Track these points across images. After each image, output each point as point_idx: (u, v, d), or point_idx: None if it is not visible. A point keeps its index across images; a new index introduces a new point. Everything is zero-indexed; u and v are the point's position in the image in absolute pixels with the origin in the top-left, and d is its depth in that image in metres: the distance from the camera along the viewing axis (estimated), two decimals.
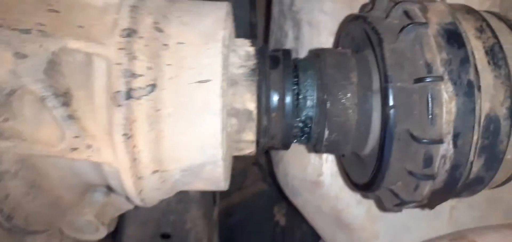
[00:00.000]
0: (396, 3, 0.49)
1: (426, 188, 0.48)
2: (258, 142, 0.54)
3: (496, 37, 0.48)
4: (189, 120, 0.47)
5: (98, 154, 0.46)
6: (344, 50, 0.56)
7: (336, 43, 0.65)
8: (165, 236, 1.21)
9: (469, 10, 0.51)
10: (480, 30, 0.48)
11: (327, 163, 0.82)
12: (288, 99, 0.52)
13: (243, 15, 1.39)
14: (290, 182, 0.88)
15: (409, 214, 0.82)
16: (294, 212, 1.42)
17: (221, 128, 0.47)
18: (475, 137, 0.45)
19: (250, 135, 0.53)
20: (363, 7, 0.57)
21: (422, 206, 0.54)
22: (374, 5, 0.54)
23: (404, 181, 0.49)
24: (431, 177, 0.47)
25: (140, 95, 0.45)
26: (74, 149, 0.46)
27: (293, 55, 0.84)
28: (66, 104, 0.44)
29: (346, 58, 0.53)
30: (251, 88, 0.51)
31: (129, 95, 0.44)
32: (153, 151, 0.47)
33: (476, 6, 0.55)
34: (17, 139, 0.44)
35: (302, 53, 0.81)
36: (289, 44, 0.86)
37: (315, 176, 0.83)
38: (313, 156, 0.82)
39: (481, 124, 0.45)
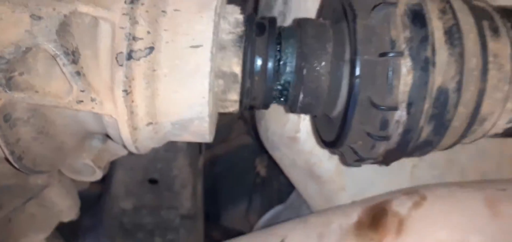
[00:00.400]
0: None
1: (381, 147, 0.57)
2: (241, 102, 0.61)
3: (456, 18, 0.55)
4: (181, 80, 0.54)
5: (100, 106, 0.53)
6: (324, 21, 0.62)
7: (320, 11, 0.71)
8: (152, 181, 1.30)
9: None
10: (443, 11, 0.55)
11: (304, 121, 0.90)
12: (270, 64, 0.59)
13: None
14: (270, 137, 0.97)
15: (374, 170, 0.91)
16: (274, 165, 1.52)
17: (209, 89, 0.54)
18: (426, 106, 0.53)
19: (234, 95, 0.60)
20: None
21: (379, 162, 0.62)
22: None
23: (363, 141, 0.57)
24: (386, 138, 0.55)
25: (139, 56, 0.51)
26: (80, 101, 0.52)
27: (281, 19, 0.90)
28: (74, 61, 0.50)
29: (324, 29, 0.60)
30: (238, 53, 0.58)
31: (129, 56, 0.51)
32: (148, 106, 0.54)
33: None
34: (30, 91, 0.51)
35: (290, 17, 0.88)
36: (278, 7, 0.92)
37: (293, 133, 0.91)
38: (292, 115, 0.90)
39: (433, 95, 0.53)
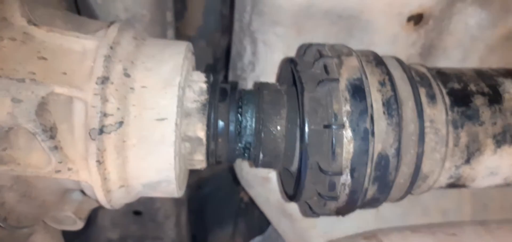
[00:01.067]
0: (320, 56, 0.63)
1: (332, 205, 0.63)
2: (207, 160, 0.68)
3: (394, 89, 0.61)
4: (148, 149, 0.60)
5: (76, 174, 0.59)
6: (280, 86, 0.69)
7: (278, 75, 0.78)
8: (136, 213, 1.35)
9: (378, 63, 0.64)
10: (382, 84, 0.61)
11: None
12: (231, 128, 0.65)
13: (215, 6, 1.48)
14: (244, 176, 1.03)
15: None
16: None
17: (174, 156, 0.61)
18: (368, 170, 0.60)
19: (200, 156, 0.66)
20: (301, 48, 0.70)
21: (334, 214, 0.69)
22: (306, 52, 0.67)
23: (317, 198, 0.64)
24: (335, 198, 0.61)
25: (110, 130, 0.58)
26: (58, 171, 0.58)
27: (251, 68, 0.96)
28: (52, 137, 0.56)
29: (280, 96, 0.67)
30: (202, 119, 0.64)
31: (101, 131, 0.57)
32: (120, 172, 0.60)
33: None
34: (13, 164, 0.57)
35: (258, 67, 0.94)
36: (247, 57, 0.99)
37: (265, 173, 0.97)
38: None
39: (374, 160, 0.60)
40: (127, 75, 0.60)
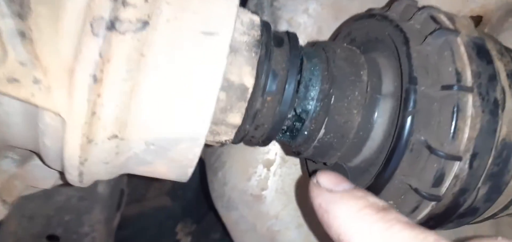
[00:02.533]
0: (420, 8, 0.45)
1: (426, 210, 0.44)
2: (240, 129, 0.45)
3: None
4: (178, 79, 0.36)
5: (45, 95, 0.33)
6: (351, 46, 0.50)
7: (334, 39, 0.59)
8: (51, 238, 1.02)
9: (484, 32, 0.49)
10: (501, 53, 0.46)
11: (274, 177, 0.75)
12: (290, 83, 0.44)
13: None
14: (227, 193, 0.79)
15: None
16: (201, 234, 1.31)
17: (216, 98, 0.38)
18: (489, 161, 0.42)
19: (236, 118, 0.43)
20: (369, 11, 0.52)
21: None
22: (390, 8, 0.49)
23: (404, 199, 0.44)
24: (437, 198, 0.42)
25: (126, 29, 0.33)
26: (14, 80, 0.32)
27: None
28: (20, 15, 0.30)
29: (356, 54, 0.48)
30: (252, 61, 0.42)
31: (112, 25, 0.33)
32: (121, 108, 0.35)
33: None
34: None
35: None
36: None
37: (259, 190, 0.75)
38: (261, 167, 0.75)
39: (498, 148, 0.42)
40: None
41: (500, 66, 0.44)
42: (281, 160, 0.75)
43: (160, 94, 0.36)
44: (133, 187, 1.57)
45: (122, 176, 1.07)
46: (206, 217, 1.32)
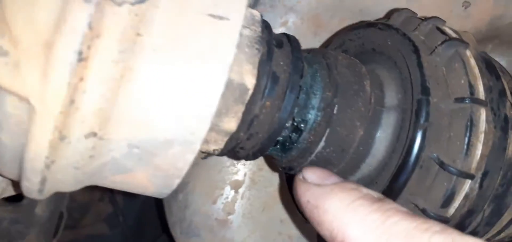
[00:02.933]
0: (424, 19, 0.43)
1: None
2: (233, 137, 0.39)
3: None
4: (177, 67, 0.31)
5: (12, 73, 0.26)
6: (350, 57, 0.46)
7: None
8: None
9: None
10: (502, 71, 0.45)
11: (242, 200, 0.69)
12: (292, 89, 0.39)
13: None
14: (188, 217, 0.72)
15: None
16: None
17: (221, 93, 0.32)
18: (498, 181, 0.40)
19: (232, 123, 0.38)
20: (364, 22, 0.50)
21: None
22: (390, 18, 0.47)
23: None
24: (445, 220, 0.39)
25: (123, 0, 0.27)
26: None
27: None
28: None
29: (357, 64, 0.44)
30: (253, 59, 0.37)
31: None
32: (106, 97, 0.29)
33: None
34: None
35: None
36: None
37: (225, 214, 0.69)
38: (228, 189, 0.69)
39: (505, 167, 0.40)
40: None
41: (505, 83, 0.43)
42: (250, 182, 0.70)
43: (155, 84, 0.30)
44: (68, 211, 1.43)
45: (62, 196, 0.95)
46: None
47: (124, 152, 0.33)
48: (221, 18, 0.31)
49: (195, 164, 0.72)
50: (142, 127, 0.31)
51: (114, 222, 1.46)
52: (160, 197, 0.39)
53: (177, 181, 0.36)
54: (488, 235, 0.47)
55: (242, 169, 0.69)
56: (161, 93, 0.30)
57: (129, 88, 0.29)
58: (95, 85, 0.28)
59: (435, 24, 0.43)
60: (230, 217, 0.69)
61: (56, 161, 0.30)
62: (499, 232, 0.48)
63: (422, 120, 0.38)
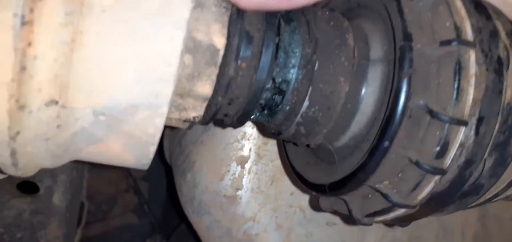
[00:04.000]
0: None
1: (429, 187, 0.38)
2: (212, 102, 0.38)
3: (510, 22, 0.42)
4: (132, 26, 0.30)
5: None
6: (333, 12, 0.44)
7: None
8: None
9: None
10: (496, 12, 0.41)
11: (249, 175, 0.68)
12: (268, 47, 0.37)
13: None
14: (198, 196, 0.72)
15: None
16: None
17: (181, 50, 0.31)
18: (496, 127, 0.37)
19: (206, 87, 0.37)
20: None
21: (401, 220, 0.43)
22: None
23: (401, 177, 0.38)
24: (441, 172, 0.37)
25: None
26: None
27: None
28: None
29: (339, 18, 0.42)
30: (222, 18, 0.36)
31: None
32: (60, 63, 0.28)
33: None
34: None
35: None
36: None
37: (233, 190, 0.68)
38: (234, 165, 0.68)
39: (504, 112, 0.37)
40: None
41: (499, 24, 0.40)
42: (256, 157, 0.69)
43: (108, 46, 0.29)
44: (96, 204, 1.47)
45: (80, 186, 0.97)
46: (177, 230, 1.23)
47: (91, 120, 0.32)
48: None
49: (199, 143, 0.72)
50: (103, 92, 0.31)
51: (142, 212, 1.49)
52: (143, 168, 0.39)
53: (152, 149, 0.35)
54: (497, 189, 0.44)
55: (247, 144, 0.68)
56: (116, 55, 0.30)
57: (82, 52, 0.29)
58: (46, 50, 0.27)
59: None
60: (238, 193, 0.68)
61: (21, 132, 0.30)
62: (509, 185, 0.44)
63: (406, 68, 0.35)
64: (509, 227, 0.84)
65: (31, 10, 0.26)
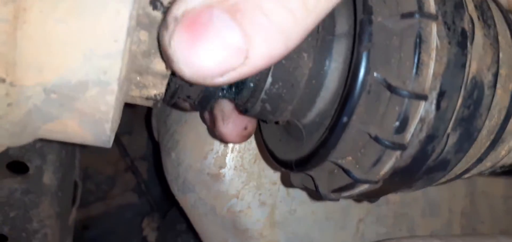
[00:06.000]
0: None
1: (390, 162, 0.37)
2: (171, 80, 0.38)
3: None
4: (78, 2, 0.29)
5: None
6: None
7: None
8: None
9: None
10: None
11: (233, 153, 0.68)
12: None
13: None
14: (182, 174, 0.72)
15: (314, 225, 0.72)
16: (167, 227, 1.23)
17: (128, 26, 0.31)
18: (459, 102, 0.36)
19: (163, 64, 0.36)
20: None
21: (368, 196, 0.43)
22: None
23: (364, 151, 0.38)
24: (401, 147, 0.36)
25: None
26: None
27: None
28: None
29: None
30: None
31: None
32: (4, 41, 0.28)
33: None
34: None
35: None
36: None
37: (216, 168, 0.69)
38: (218, 144, 0.68)
39: (467, 87, 0.36)
40: None
41: None
42: None
43: (51, 22, 0.29)
44: (96, 184, 1.49)
45: (72, 165, 0.98)
46: (172, 208, 1.24)
47: (42, 98, 0.32)
48: None
49: (183, 122, 0.72)
50: (53, 70, 0.31)
51: (142, 191, 1.51)
52: (104, 146, 0.39)
53: (108, 126, 0.35)
54: (468, 164, 0.44)
55: None
56: (62, 32, 0.29)
57: (26, 29, 0.29)
58: None
59: None
60: (222, 171, 0.69)
61: None
62: (479, 160, 0.44)
63: (365, 42, 0.34)
64: (499, 204, 0.83)
65: None
